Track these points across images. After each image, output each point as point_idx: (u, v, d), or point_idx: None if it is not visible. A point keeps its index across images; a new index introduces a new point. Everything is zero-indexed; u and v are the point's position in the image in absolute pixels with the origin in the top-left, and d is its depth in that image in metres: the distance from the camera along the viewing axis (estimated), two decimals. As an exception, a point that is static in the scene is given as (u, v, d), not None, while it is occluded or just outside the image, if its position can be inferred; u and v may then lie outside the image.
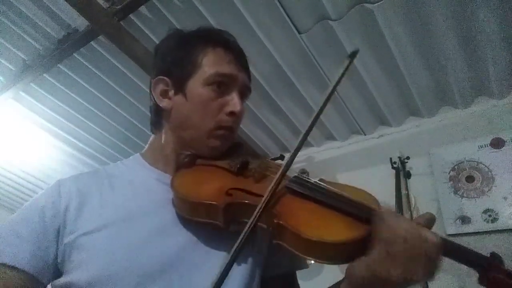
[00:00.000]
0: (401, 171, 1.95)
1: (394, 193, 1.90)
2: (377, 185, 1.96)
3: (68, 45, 1.81)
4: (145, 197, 0.66)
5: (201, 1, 1.56)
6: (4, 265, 0.54)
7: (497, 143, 1.77)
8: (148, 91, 0.76)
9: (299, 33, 1.63)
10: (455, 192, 1.80)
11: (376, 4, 1.44)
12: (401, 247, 0.46)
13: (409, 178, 1.93)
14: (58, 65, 1.94)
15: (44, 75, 2.00)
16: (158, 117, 0.76)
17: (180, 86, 0.71)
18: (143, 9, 1.65)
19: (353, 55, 0.64)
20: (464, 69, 1.71)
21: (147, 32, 1.74)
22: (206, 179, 0.68)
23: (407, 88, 1.85)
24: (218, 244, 0.62)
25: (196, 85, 0.69)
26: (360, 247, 0.51)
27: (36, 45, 1.87)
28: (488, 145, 1.79)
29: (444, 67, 1.71)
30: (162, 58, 0.75)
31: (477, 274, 0.49)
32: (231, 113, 0.69)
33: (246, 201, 0.59)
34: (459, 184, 1.81)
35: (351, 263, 0.51)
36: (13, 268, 0.54)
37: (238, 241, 0.50)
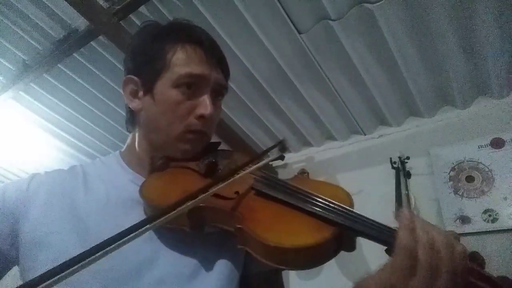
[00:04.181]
0: (401, 171, 1.95)
1: (394, 193, 1.90)
2: (377, 185, 1.97)
3: (68, 45, 1.81)
4: (118, 198, 0.63)
5: (201, 1, 1.56)
6: None
7: (497, 143, 1.77)
8: None
9: (299, 33, 1.63)
10: (455, 192, 1.80)
11: (376, 4, 1.44)
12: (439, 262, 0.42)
13: (409, 178, 1.92)
14: (58, 65, 1.93)
15: (44, 75, 2.00)
16: (131, 117, 0.73)
17: (149, 87, 0.66)
18: (143, 9, 1.65)
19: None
20: (464, 69, 1.71)
21: (147, 32, 1.74)
22: (175, 183, 0.64)
23: (407, 88, 1.85)
24: (188, 248, 0.60)
25: (165, 87, 0.65)
26: (327, 250, 0.48)
27: (36, 45, 1.86)
28: (488, 145, 1.79)
29: (444, 67, 1.71)
30: (132, 56, 0.71)
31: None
32: (201, 117, 0.65)
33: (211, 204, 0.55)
34: (459, 184, 1.80)
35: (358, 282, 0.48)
36: None
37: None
